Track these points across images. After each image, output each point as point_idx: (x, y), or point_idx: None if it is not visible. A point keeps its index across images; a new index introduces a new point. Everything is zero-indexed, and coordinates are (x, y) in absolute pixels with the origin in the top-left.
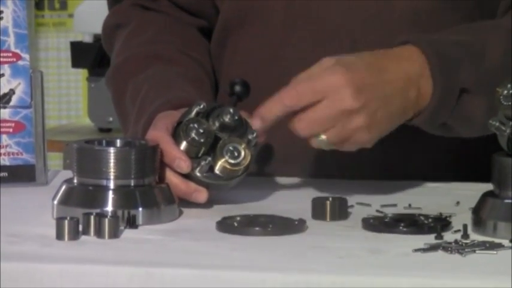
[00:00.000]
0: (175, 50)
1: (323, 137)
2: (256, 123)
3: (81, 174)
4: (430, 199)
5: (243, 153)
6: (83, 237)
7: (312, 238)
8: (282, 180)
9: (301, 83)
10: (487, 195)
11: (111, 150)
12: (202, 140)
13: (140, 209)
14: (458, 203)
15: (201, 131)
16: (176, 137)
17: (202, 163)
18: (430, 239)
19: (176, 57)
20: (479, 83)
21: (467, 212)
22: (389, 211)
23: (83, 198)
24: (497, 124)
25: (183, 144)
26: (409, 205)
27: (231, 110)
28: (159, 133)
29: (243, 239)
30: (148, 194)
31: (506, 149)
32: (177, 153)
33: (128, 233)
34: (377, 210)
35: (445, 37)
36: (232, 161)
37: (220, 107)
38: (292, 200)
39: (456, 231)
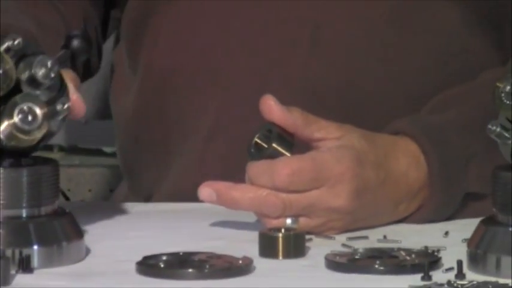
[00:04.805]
0: None
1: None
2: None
3: None
4: (411, 229)
5: (38, 122)
6: None
7: (261, 282)
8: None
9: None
10: (486, 222)
11: None
12: None
13: (35, 247)
14: (447, 233)
15: (0, 70)
16: None
17: None
18: (415, 280)
19: (35, 1)
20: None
21: (461, 244)
22: (360, 245)
23: None
24: (498, 129)
25: None
26: (384, 237)
27: (49, 63)
28: None
29: (171, 285)
30: (46, 227)
31: (510, 161)
32: None
33: (21, 279)
34: (343, 244)
35: (449, 124)
36: (22, 126)
37: (43, 55)
38: (237, 230)
39: (448, 270)
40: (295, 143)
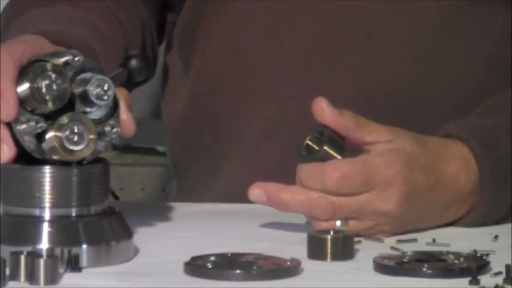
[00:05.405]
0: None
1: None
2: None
3: (7, 202)
4: (460, 232)
5: (85, 143)
6: (11, 284)
7: (309, 283)
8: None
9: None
10: None
11: (47, 169)
12: (47, 97)
13: (84, 246)
14: (496, 237)
15: (55, 87)
16: (24, 73)
17: (32, 123)
18: (463, 283)
19: (92, 7)
20: None
21: (510, 248)
22: (408, 248)
23: (9, 232)
24: None
25: (24, 87)
26: (433, 240)
27: (106, 86)
28: (5, 56)
29: (219, 286)
30: (95, 226)
31: None
32: (8, 93)
33: (69, 278)
34: (392, 247)
35: (500, 127)
36: (67, 145)
37: (102, 74)
38: (285, 231)
39: (496, 274)
40: (346, 146)
